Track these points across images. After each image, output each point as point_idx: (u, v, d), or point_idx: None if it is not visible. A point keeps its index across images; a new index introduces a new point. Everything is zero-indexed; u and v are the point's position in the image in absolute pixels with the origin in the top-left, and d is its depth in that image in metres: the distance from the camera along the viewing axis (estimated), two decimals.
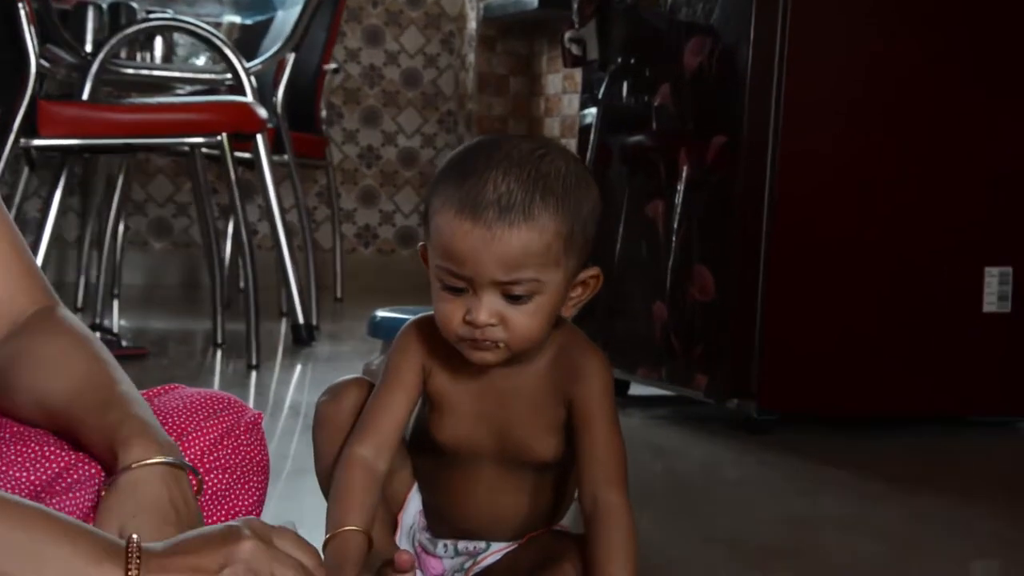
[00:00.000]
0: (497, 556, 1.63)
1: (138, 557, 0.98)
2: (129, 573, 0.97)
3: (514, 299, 1.46)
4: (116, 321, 4.36)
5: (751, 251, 2.89)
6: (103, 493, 1.17)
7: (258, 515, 1.38)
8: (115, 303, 4.65)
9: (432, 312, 1.57)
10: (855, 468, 2.64)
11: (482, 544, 1.64)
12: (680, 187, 3.05)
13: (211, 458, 1.31)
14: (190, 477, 1.21)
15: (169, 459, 1.18)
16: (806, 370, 2.92)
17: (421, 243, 1.54)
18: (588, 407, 1.56)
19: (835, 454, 2.76)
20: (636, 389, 3.31)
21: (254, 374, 3.47)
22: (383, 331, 2.65)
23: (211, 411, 1.34)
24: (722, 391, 2.94)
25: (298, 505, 2.08)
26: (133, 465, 1.17)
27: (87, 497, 1.19)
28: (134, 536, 1.00)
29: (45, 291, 1.32)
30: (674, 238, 3.06)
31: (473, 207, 1.44)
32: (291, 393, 3.29)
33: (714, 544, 2.07)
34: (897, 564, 2.00)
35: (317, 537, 1.85)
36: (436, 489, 1.63)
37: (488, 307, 1.46)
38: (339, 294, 5.25)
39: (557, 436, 1.58)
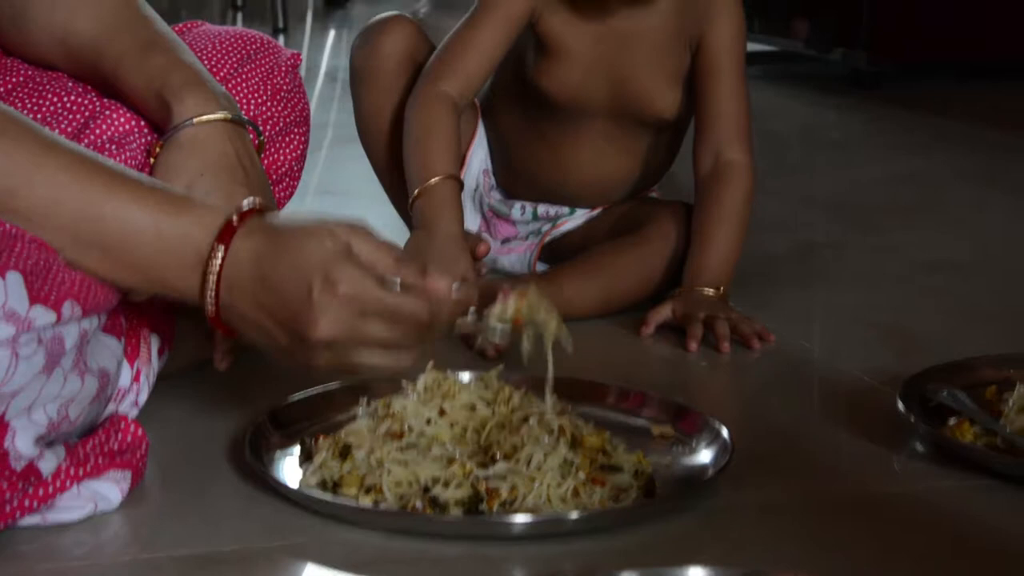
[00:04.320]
0: (579, 222, 1.67)
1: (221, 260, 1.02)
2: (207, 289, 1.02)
3: None
4: None
5: None
6: (158, 149, 1.20)
7: (300, 170, 1.40)
8: None
9: None
10: (978, 120, 2.64)
11: (565, 209, 1.67)
12: None
13: (250, 108, 1.32)
14: (250, 134, 1.24)
15: (231, 115, 1.20)
16: (923, 13, 2.88)
17: None
18: (717, 52, 1.56)
19: (955, 107, 2.76)
20: None
21: (282, 38, 3.49)
22: None
23: (246, 53, 1.34)
24: (825, 40, 2.92)
25: (343, 175, 2.13)
26: (195, 120, 1.19)
27: (136, 154, 1.22)
28: (217, 254, 1.02)
29: None
30: None
31: None
32: (326, 59, 3.32)
33: (816, 206, 2.10)
34: None
35: (364, 208, 1.90)
36: (523, 146, 1.64)
37: None
38: None
39: (679, 89, 1.58)
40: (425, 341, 1.05)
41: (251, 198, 1.05)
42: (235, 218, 1.03)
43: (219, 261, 1.02)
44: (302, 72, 1.42)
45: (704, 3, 1.56)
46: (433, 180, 1.51)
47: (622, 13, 1.54)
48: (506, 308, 1.12)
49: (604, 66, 1.56)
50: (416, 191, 1.52)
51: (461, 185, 1.54)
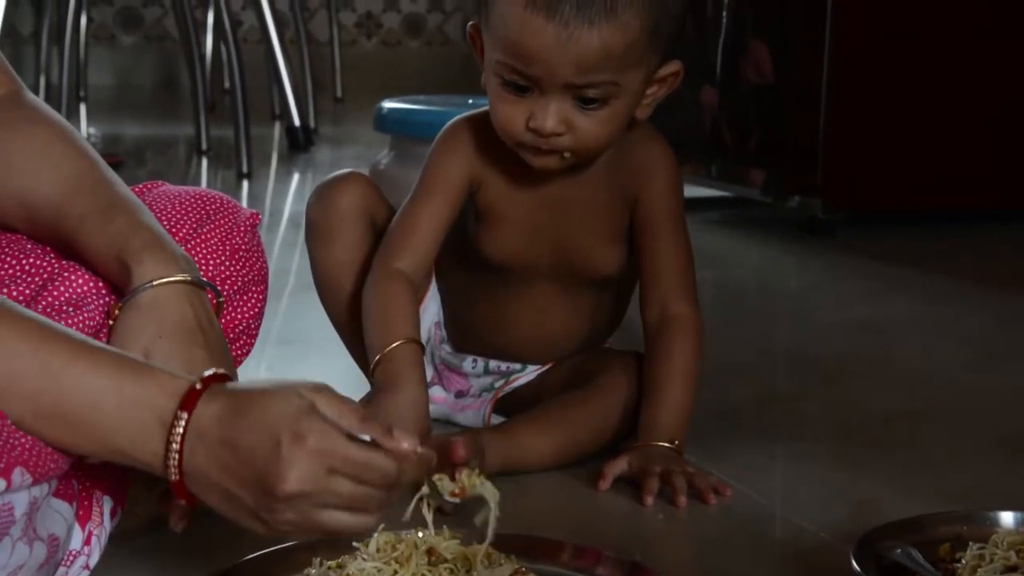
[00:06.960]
0: (531, 376, 1.68)
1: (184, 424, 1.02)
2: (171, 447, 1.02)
3: (586, 102, 1.46)
4: (84, 127, 4.39)
5: (814, 23, 2.87)
6: (117, 312, 1.21)
7: (257, 328, 1.40)
8: (82, 107, 4.67)
9: (481, 109, 1.56)
10: (931, 269, 2.67)
11: (516, 365, 1.68)
12: None
13: (209, 268, 1.34)
14: (209, 295, 1.25)
15: (190, 277, 1.22)
16: (876, 163, 2.93)
17: (472, 23, 1.52)
18: (654, 208, 1.58)
19: (909, 255, 2.80)
20: None
21: (246, 183, 3.50)
22: (392, 124, 2.65)
23: (205, 214, 1.36)
24: (781, 188, 2.95)
25: (303, 324, 2.13)
26: (154, 282, 1.20)
27: (94, 316, 1.23)
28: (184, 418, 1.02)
29: (6, 72, 1.33)
30: (724, 10, 3.04)
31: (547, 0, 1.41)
32: (289, 203, 3.33)
33: (774, 355, 2.11)
34: (978, 369, 2.05)
35: (324, 359, 1.90)
36: (473, 306, 1.66)
37: (556, 113, 1.45)
38: (339, 93, 5.25)
39: (620, 247, 1.60)
40: (390, 503, 1.05)
41: (213, 369, 1.06)
42: (198, 384, 1.03)
43: (182, 427, 1.02)
44: (265, 220, 1.44)
45: (638, 162, 1.58)
46: (394, 344, 1.52)
47: (558, 180, 1.56)
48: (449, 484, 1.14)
49: (544, 231, 1.58)
50: (377, 357, 1.53)
51: (423, 349, 1.55)
